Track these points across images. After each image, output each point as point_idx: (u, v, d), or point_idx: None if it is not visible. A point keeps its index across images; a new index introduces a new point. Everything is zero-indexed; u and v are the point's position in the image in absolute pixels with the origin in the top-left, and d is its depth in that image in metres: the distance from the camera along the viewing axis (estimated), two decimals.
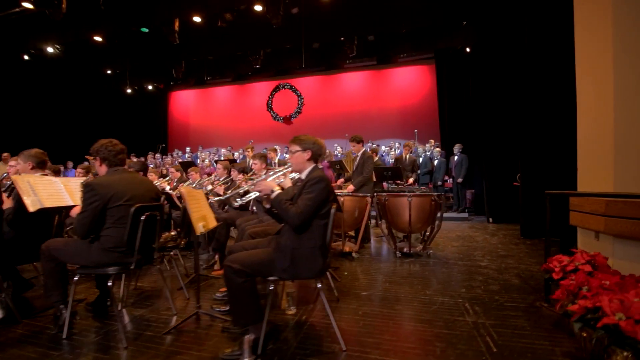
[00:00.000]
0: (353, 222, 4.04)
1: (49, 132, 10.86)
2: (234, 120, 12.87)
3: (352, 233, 4.61)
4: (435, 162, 7.91)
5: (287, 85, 11.96)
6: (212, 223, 2.42)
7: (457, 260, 3.81)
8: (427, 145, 8.71)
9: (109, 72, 11.53)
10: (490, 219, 6.59)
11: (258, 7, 7.33)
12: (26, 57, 10.17)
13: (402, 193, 4.13)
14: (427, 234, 4.24)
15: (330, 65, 11.39)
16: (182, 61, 10.45)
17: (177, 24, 7.96)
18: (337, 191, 4.30)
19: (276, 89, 12.11)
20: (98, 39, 9.20)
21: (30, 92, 10.76)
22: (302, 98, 11.76)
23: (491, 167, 6.58)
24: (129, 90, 13.63)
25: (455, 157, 7.73)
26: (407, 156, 6.47)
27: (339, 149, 9.65)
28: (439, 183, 7.71)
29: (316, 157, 2.10)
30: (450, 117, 9.32)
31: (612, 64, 2.68)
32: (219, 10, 7.81)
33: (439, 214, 4.06)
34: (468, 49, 8.44)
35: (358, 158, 4.86)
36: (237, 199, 2.64)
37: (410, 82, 11.16)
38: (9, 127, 10.07)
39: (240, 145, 10.76)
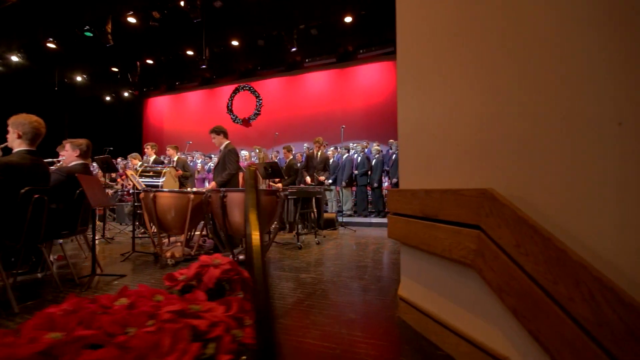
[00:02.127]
0: (176, 223, 3.47)
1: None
2: (203, 124, 12.71)
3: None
4: (373, 162, 7.14)
5: (247, 87, 11.65)
6: None
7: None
8: (374, 144, 7.95)
9: (79, 78, 11.78)
10: None
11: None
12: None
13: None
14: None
15: (290, 65, 10.96)
16: (133, 65, 10.41)
17: (110, 24, 7.87)
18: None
19: (236, 91, 11.83)
20: (52, 45, 9.39)
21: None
22: (261, 99, 11.38)
23: None
24: (107, 98, 14.01)
25: (394, 156, 6.93)
26: (319, 153, 5.81)
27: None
28: (375, 185, 6.92)
29: None
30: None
31: None
32: (148, 10, 7.63)
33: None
34: None
35: (220, 152, 4.30)
36: None
37: (374, 80, 10.45)
38: None
39: (211, 149, 10.43)
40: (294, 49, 8.47)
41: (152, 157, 5.88)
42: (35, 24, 8.12)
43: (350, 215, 7.17)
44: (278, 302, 2.24)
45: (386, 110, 10.05)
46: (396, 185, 6.74)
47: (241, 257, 3.33)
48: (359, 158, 7.26)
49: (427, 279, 1.70)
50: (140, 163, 6.20)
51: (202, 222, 3.81)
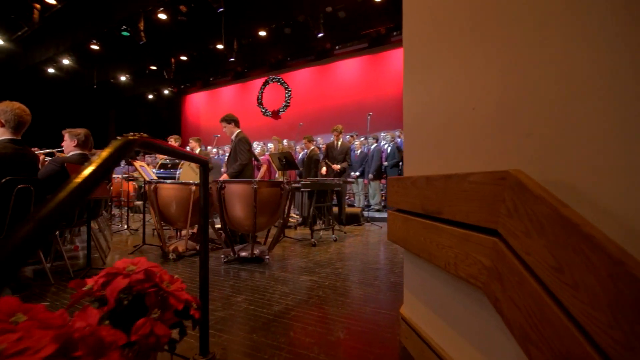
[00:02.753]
0: (179, 216, 3.29)
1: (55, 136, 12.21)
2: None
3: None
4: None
5: (276, 79, 11.45)
6: None
7: (301, 273, 2.79)
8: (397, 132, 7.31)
9: (123, 77, 12.48)
10: None
11: None
12: (51, 70, 11.58)
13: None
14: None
15: (320, 54, 10.56)
16: (171, 62, 10.70)
17: (142, 22, 8.09)
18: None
19: (265, 83, 11.70)
20: (95, 47, 9.97)
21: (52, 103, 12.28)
22: (290, 91, 11.12)
23: None
24: (150, 96, 14.76)
25: None
26: (338, 143, 5.36)
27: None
28: None
29: None
30: None
31: None
32: (175, 4, 7.69)
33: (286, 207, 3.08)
34: None
35: (231, 142, 4.07)
36: None
37: None
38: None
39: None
40: (320, 35, 8.05)
41: (197, 150, 5.87)
42: (78, 27, 8.63)
43: (378, 210, 6.66)
44: (259, 311, 1.91)
45: None
46: None
47: (243, 253, 3.07)
48: (389, 148, 6.69)
49: (430, 297, 1.25)
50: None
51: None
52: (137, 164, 3.74)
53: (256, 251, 3.08)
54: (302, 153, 7.68)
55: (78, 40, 8.76)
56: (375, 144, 6.80)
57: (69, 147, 2.84)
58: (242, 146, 3.85)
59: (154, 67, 11.60)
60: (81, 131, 2.88)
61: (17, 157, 2.25)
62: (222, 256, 3.12)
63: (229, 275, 2.70)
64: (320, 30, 7.94)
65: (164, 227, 5.18)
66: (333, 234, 4.31)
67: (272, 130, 11.43)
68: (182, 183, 3.24)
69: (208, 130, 13.80)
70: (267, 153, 7.73)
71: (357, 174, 6.90)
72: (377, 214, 6.53)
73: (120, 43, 9.69)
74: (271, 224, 3.28)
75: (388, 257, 3.34)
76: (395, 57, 9.85)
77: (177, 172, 4.86)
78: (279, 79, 11.41)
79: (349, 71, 10.58)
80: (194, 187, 3.22)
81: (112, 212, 6.50)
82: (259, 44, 9.68)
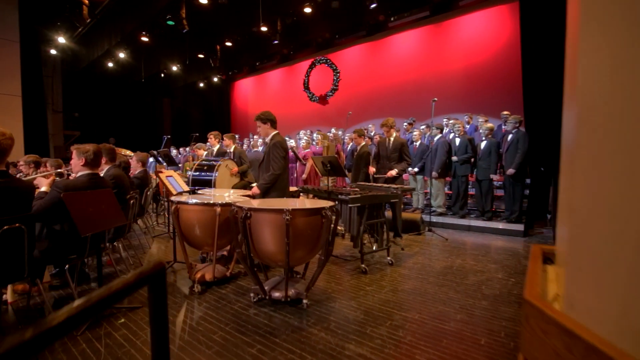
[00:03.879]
0: (205, 239, 2.79)
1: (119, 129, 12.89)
2: (282, 105, 12.34)
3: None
4: (483, 145, 5.31)
5: (323, 60, 10.51)
6: None
7: (348, 323, 2.13)
8: (480, 119, 6.04)
9: (174, 67, 12.62)
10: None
11: None
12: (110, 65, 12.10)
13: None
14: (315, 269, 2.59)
15: (372, 28, 9.35)
16: (214, 49, 10.40)
17: (183, 9, 7.75)
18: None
19: (312, 65, 10.83)
20: (145, 39, 10.03)
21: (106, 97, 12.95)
22: (338, 72, 10.14)
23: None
24: (201, 85, 14.91)
25: (509, 136, 5.02)
26: (391, 139, 4.38)
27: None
28: (492, 177, 5.15)
29: None
30: (539, 76, 6.07)
31: None
32: None
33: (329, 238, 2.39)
34: None
35: (265, 146, 3.45)
36: None
37: (480, 31, 8.06)
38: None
39: (288, 132, 9.97)
40: (373, 5, 6.92)
41: (216, 147, 5.47)
42: (126, 19, 8.63)
43: (441, 214, 5.65)
44: None
45: (498, 69, 7.70)
46: (515, 177, 4.88)
47: (275, 294, 2.47)
48: (458, 139, 5.54)
49: None
50: (205, 153, 5.93)
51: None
52: (163, 175, 3.32)
53: (291, 291, 2.46)
54: (350, 144, 6.86)
55: (127, 33, 8.79)
56: (439, 135, 5.70)
57: (77, 166, 2.45)
58: (276, 152, 3.20)
59: (201, 56, 11.46)
60: (90, 148, 2.45)
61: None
62: (252, 295, 2.57)
63: (256, 326, 2.13)
64: (372, 0, 6.81)
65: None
66: (388, 255, 3.54)
67: (320, 117, 10.69)
68: (205, 204, 2.72)
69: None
70: (313, 144, 7.06)
71: (416, 169, 5.91)
72: (439, 218, 5.54)
73: (168, 33, 9.59)
74: (310, 258, 2.62)
75: (469, 295, 2.48)
76: (464, 24, 8.27)
77: (213, 176, 4.44)
78: (327, 59, 10.47)
79: (406, 45, 9.24)
80: (219, 209, 2.67)
81: (160, 206, 6.43)
82: (304, 23, 8.82)
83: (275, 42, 8.72)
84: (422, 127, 6.48)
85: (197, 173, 4.53)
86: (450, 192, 5.85)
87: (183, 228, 2.78)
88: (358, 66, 10.07)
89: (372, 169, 4.39)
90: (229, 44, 10.37)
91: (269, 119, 3.33)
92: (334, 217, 2.42)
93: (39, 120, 10.20)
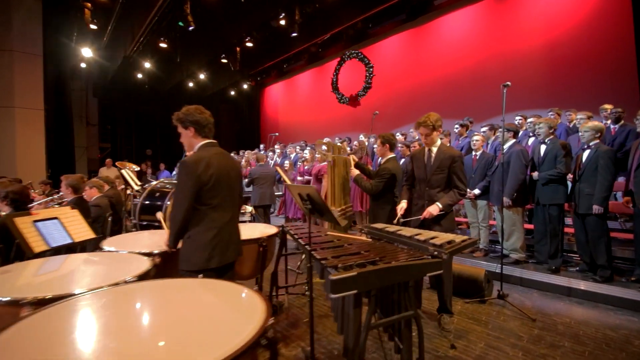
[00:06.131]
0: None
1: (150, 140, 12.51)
2: (312, 110, 10.96)
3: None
4: (585, 155, 3.30)
5: (354, 54, 8.88)
6: None
7: None
8: (580, 116, 3.99)
9: (202, 75, 12.01)
10: None
11: None
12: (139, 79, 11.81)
13: None
14: None
15: (413, 10, 7.59)
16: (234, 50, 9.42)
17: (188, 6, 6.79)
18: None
19: (341, 62, 9.26)
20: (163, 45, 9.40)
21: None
22: (372, 67, 8.44)
23: None
24: (232, 92, 14.24)
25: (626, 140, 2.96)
26: (433, 150, 2.55)
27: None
28: (596, 209, 3.13)
29: None
30: None
31: None
32: None
33: None
34: None
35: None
36: None
37: (559, 3, 5.90)
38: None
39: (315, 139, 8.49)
40: None
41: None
42: (139, 24, 8.00)
43: (517, 262, 3.68)
44: None
45: (593, 43, 5.47)
46: None
47: None
48: (544, 145, 3.58)
49: None
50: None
51: None
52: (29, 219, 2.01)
53: None
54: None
55: (138, 39, 8.16)
56: (512, 140, 3.78)
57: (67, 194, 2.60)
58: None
59: (224, 60, 10.61)
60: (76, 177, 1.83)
61: None
62: None
63: None
64: None
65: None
66: None
67: (350, 121, 9.08)
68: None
69: (286, 125, 12.31)
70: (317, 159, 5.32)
71: (478, 191, 4.01)
72: (514, 270, 3.59)
73: (186, 37, 8.81)
74: None
75: None
76: None
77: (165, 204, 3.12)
78: (357, 52, 8.84)
79: (458, 27, 7.29)
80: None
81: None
82: (328, 10, 7.36)
83: (294, 34, 7.37)
84: (484, 129, 4.55)
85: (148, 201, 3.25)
86: (532, 226, 3.85)
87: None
88: (396, 58, 8.30)
89: (400, 207, 2.56)
90: (249, 44, 9.32)
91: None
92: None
93: (64, 133, 10.09)
